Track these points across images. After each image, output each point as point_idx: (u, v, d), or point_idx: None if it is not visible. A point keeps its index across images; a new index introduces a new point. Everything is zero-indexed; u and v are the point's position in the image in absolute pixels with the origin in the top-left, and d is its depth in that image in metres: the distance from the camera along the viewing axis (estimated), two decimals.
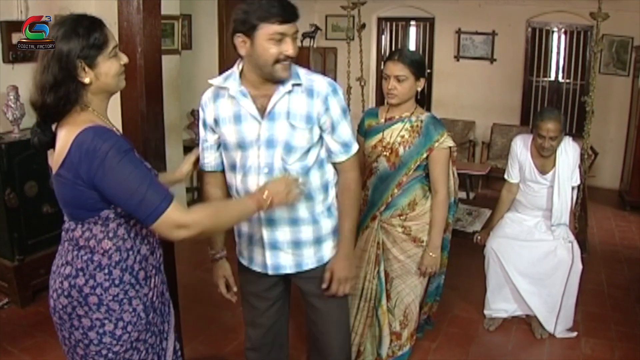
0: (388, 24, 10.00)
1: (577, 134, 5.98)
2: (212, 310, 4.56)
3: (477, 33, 8.98)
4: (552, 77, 9.04)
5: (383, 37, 10.04)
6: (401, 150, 3.13)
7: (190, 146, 6.84)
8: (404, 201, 3.20)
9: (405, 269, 3.29)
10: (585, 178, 5.80)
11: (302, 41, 9.03)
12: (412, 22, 9.85)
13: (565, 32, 8.80)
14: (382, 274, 3.30)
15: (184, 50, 6.94)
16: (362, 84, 6.84)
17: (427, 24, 9.59)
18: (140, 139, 3.14)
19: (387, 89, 3.05)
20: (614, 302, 4.87)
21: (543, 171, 4.03)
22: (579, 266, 4.04)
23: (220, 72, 7.26)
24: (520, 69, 8.90)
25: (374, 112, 3.30)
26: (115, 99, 3.33)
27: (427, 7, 9.31)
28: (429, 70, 9.49)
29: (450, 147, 3.18)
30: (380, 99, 10.23)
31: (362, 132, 3.28)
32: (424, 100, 3.27)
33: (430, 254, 3.22)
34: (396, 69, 3.01)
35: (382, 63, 3.39)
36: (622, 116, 8.20)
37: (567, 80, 8.87)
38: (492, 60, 9.00)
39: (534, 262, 4.06)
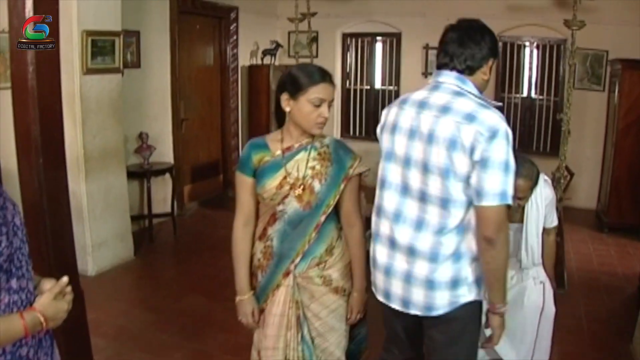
0: (353, 40, 9.69)
1: (552, 153, 5.58)
2: (147, 357, 4.14)
3: None
4: (525, 94, 8.75)
5: (348, 54, 9.74)
6: (317, 185, 2.54)
7: (139, 172, 6.41)
8: (322, 247, 2.62)
9: (327, 326, 2.70)
10: (560, 208, 5.42)
11: (262, 58, 8.67)
12: (378, 38, 9.56)
13: (538, 47, 8.54)
14: (308, 337, 2.73)
15: (132, 69, 6.58)
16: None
17: (394, 40, 9.30)
18: (34, 174, 2.66)
19: (317, 116, 2.45)
20: (593, 337, 4.48)
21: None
22: (551, 310, 3.56)
23: (173, 90, 6.95)
24: (492, 85, 8.45)
25: (260, 143, 2.60)
26: (9, 125, 2.90)
27: (393, 22, 9.03)
28: (395, 88, 9.25)
29: (361, 173, 2.69)
30: (346, 121, 9.89)
31: (250, 171, 2.57)
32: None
33: (356, 295, 2.72)
34: (331, 92, 2.49)
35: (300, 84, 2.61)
36: (598, 133, 7.92)
37: (541, 97, 8.54)
38: None
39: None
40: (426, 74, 8.83)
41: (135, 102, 6.72)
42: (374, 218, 2.59)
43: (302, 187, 2.51)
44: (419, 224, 2.34)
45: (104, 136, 5.56)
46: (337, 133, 9.81)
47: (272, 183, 2.50)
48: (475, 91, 2.33)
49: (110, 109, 5.61)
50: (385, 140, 2.51)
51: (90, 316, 4.61)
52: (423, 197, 2.32)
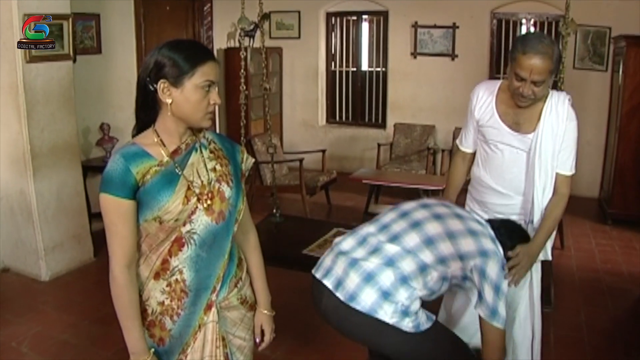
0: (338, 20, 9.23)
1: None
2: None
3: (435, 27, 8.22)
4: None
5: (333, 34, 9.28)
6: (226, 189, 2.06)
7: (101, 166, 5.96)
8: (235, 262, 2.16)
9: (253, 351, 2.32)
10: None
11: (239, 40, 8.17)
12: (364, 17, 9.15)
13: (535, 24, 8.09)
14: None
15: (92, 56, 6.17)
16: (267, 89, 5.72)
17: (381, 18, 8.86)
18: None
19: (208, 104, 1.94)
20: (595, 352, 3.96)
21: (516, 128, 2.86)
22: (539, 333, 3.03)
23: None
24: (485, 66, 8.11)
25: (136, 151, 1.93)
26: None
27: None
28: (383, 69, 8.85)
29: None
30: (332, 106, 9.46)
31: (129, 192, 1.88)
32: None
33: (266, 312, 2.34)
34: (218, 71, 1.99)
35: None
36: (601, 116, 7.42)
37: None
38: (453, 56, 8.26)
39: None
40: (415, 54, 8.38)
41: (97, 91, 6.27)
42: (369, 224, 2.65)
43: (209, 195, 1.99)
44: (395, 237, 2.48)
45: (54, 129, 5.06)
46: (322, 118, 9.40)
47: (175, 199, 1.91)
48: None
49: (61, 100, 5.10)
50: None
51: (34, 330, 4.26)
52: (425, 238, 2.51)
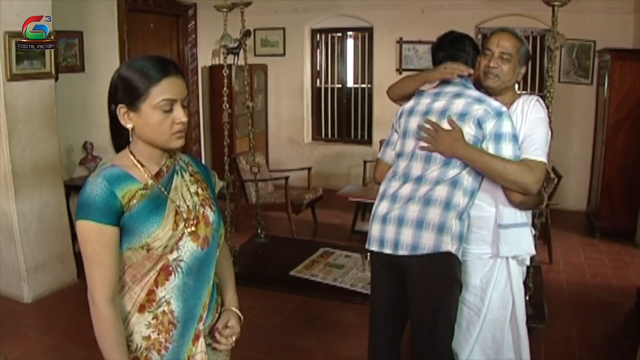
0: (323, 36, 9.20)
1: None
2: None
3: (420, 42, 8.12)
4: None
5: (318, 50, 9.24)
6: (210, 214, 1.95)
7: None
8: (216, 287, 2.05)
9: None
10: (547, 212, 4.87)
11: (225, 58, 8.13)
12: (349, 33, 9.14)
13: None
14: None
15: (75, 74, 6.10)
16: (249, 107, 5.72)
17: (366, 35, 8.84)
18: None
19: (172, 124, 1.79)
20: None
21: None
22: (525, 344, 2.92)
23: None
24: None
25: (119, 173, 1.77)
26: None
27: (364, 15, 8.54)
28: (369, 85, 8.82)
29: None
30: (317, 123, 9.42)
31: (113, 218, 1.73)
32: None
33: (237, 311, 2.13)
34: (181, 87, 1.81)
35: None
36: (587, 129, 7.43)
37: (524, 92, 7.98)
38: None
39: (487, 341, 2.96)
40: (400, 70, 8.28)
41: (80, 109, 6.19)
42: (385, 182, 2.81)
43: (195, 220, 1.88)
44: (420, 178, 2.62)
45: (36, 148, 4.97)
46: (308, 136, 9.35)
47: (166, 224, 1.79)
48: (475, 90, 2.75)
49: (43, 118, 5.01)
50: (403, 121, 2.79)
51: (16, 353, 4.14)
52: (428, 159, 2.64)
